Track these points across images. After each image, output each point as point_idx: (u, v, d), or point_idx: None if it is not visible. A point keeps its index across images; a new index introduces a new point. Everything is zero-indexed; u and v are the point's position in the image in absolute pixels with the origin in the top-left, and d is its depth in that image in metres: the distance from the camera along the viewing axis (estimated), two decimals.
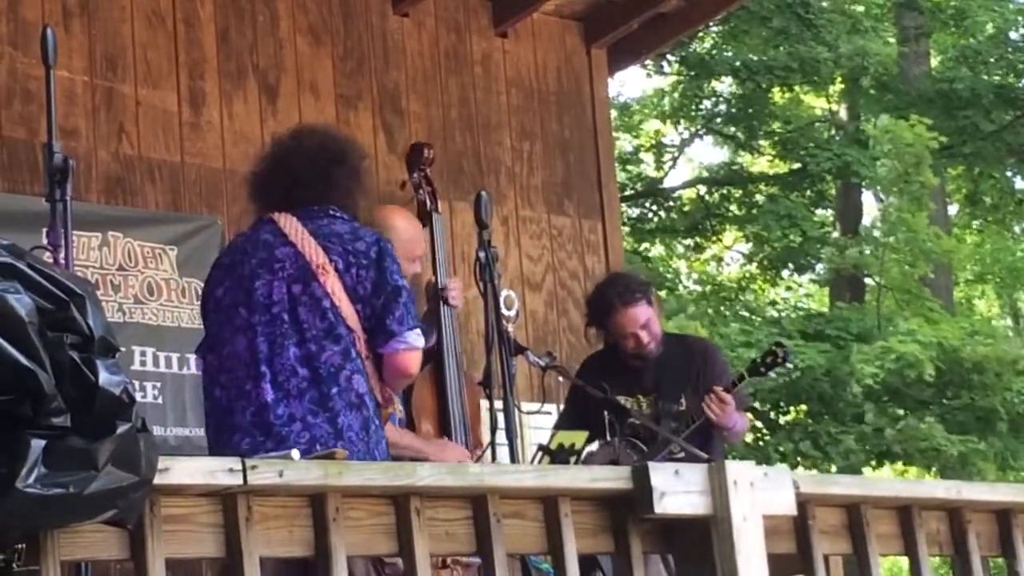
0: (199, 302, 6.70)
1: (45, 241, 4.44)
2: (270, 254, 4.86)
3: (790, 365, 6.70)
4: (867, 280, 20.18)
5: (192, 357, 7.23)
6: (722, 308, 21.01)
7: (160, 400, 7.23)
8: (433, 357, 5.85)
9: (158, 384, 7.25)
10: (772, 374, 6.54)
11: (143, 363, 7.24)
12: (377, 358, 4.84)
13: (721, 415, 6.36)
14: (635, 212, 22.47)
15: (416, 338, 4.84)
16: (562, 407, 6.97)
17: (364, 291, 4.79)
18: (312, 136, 5.31)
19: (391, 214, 5.98)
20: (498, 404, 5.44)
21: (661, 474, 3.76)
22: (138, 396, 7.22)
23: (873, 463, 17.25)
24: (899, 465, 17.67)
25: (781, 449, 16.61)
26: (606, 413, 6.16)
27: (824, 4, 19.84)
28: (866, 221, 21.76)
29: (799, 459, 16.38)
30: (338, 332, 4.76)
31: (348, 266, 4.80)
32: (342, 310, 4.77)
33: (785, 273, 23.12)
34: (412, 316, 4.84)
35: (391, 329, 4.78)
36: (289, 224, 4.89)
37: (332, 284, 4.77)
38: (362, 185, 5.13)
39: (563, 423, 6.69)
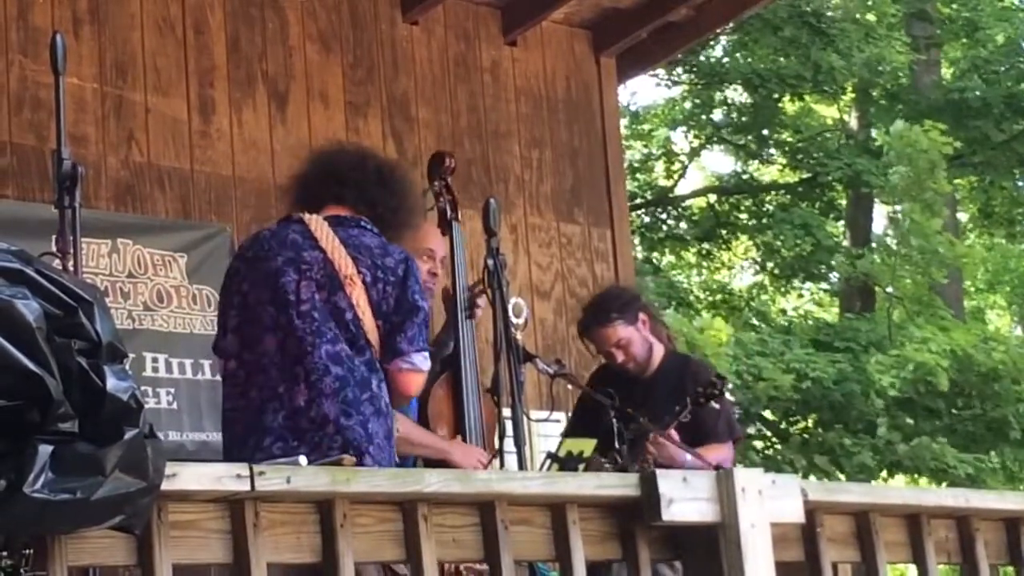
0: (211, 306, 6.67)
1: (54, 248, 4.43)
2: (298, 254, 4.77)
3: (731, 397, 6.62)
4: (877, 289, 20.14)
5: (206, 363, 7.24)
6: (732, 318, 21.00)
7: (175, 406, 7.24)
8: (449, 365, 5.84)
9: (172, 390, 7.26)
10: (714, 404, 6.47)
11: (155, 370, 7.25)
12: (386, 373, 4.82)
13: (659, 458, 6.25)
14: (645, 220, 22.46)
15: (422, 361, 4.80)
16: (570, 414, 6.96)
17: (387, 307, 4.74)
18: (367, 150, 5.37)
19: None
20: (506, 412, 5.44)
21: (669, 481, 3.76)
22: (152, 403, 7.26)
23: (884, 474, 17.23)
24: (908, 475, 17.63)
25: (792, 461, 16.58)
26: (615, 421, 6.14)
27: (831, 14, 19.81)
28: (877, 231, 21.78)
29: (812, 473, 16.35)
30: (361, 343, 4.73)
31: (375, 280, 4.74)
32: (364, 323, 4.71)
33: (796, 283, 23.10)
34: (423, 338, 4.80)
35: (400, 347, 4.74)
36: (320, 228, 4.81)
37: (358, 296, 4.71)
38: (407, 210, 5.07)
39: (570, 430, 6.68)
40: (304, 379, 4.66)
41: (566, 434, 6.62)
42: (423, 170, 7.69)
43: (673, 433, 6.29)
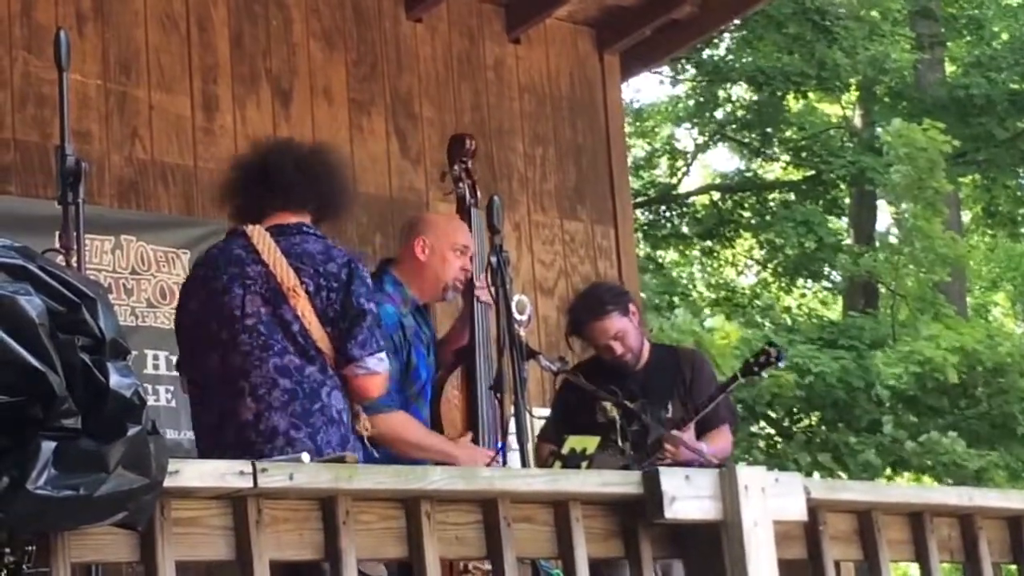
0: None
1: (57, 244, 4.43)
2: (242, 270, 4.83)
3: (782, 364, 6.63)
4: (881, 287, 20.14)
5: None
6: (736, 316, 20.99)
7: (173, 404, 7.22)
8: (464, 355, 5.83)
9: (171, 388, 7.24)
10: (764, 374, 6.50)
11: (156, 367, 7.24)
12: (342, 378, 4.85)
13: (676, 454, 6.25)
14: (649, 218, 22.46)
15: (376, 363, 4.82)
16: (549, 410, 6.92)
17: (333, 314, 4.78)
18: (293, 144, 5.36)
19: (429, 213, 5.97)
20: (509, 409, 5.43)
21: (672, 479, 3.76)
22: (151, 400, 7.24)
23: (889, 472, 17.22)
24: (913, 473, 17.61)
25: (796, 459, 16.56)
26: (617, 417, 6.14)
27: (841, 11, 19.81)
28: (880, 228, 21.76)
29: (816, 471, 16.33)
30: (311, 353, 4.76)
31: (319, 289, 4.78)
32: (312, 333, 4.76)
33: (799, 281, 23.09)
34: (376, 340, 4.82)
35: (352, 353, 4.77)
36: (262, 241, 4.86)
37: (302, 307, 4.76)
38: (344, 199, 5.12)
39: (551, 429, 6.63)
40: (250, 393, 4.73)
41: (551, 427, 6.58)
42: (426, 167, 7.70)
43: (690, 431, 6.33)
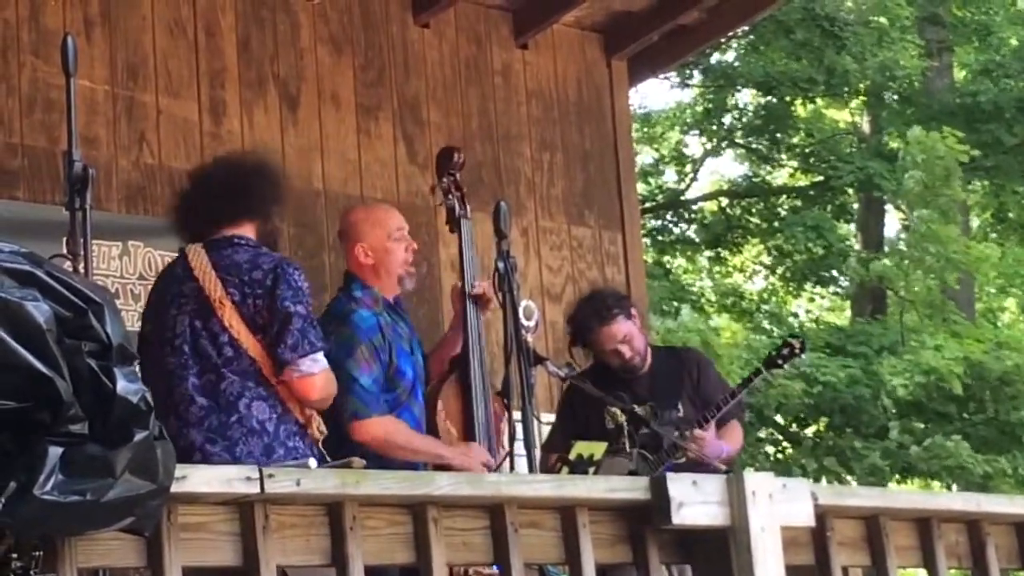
0: None
1: (65, 250, 4.44)
2: (179, 289, 4.95)
3: (805, 356, 6.66)
4: (889, 293, 20.10)
5: None
6: (744, 321, 20.98)
7: None
8: (458, 363, 5.84)
9: None
10: (787, 366, 6.53)
11: None
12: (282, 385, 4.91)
13: (699, 452, 6.28)
14: (656, 224, 22.44)
15: (311, 364, 4.86)
16: (554, 418, 6.91)
17: (262, 320, 4.85)
18: (215, 162, 5.51)
19: (347, 212, 6.01)
20: (516, 414, 5.43)
21: (679, 485, 3.76)
22: None
23: (896, 478, 17.19)
24: (921, 479, 17.59)
25: (803, 464, 16.55)
26: (625, 423, 6.15)
27: (850, 17, 19.78)
28: (888, 234, 21.73)
29: (823, 476, 16.32)
30: (239, 362, 4.82)
31: (244, 297, 4.86)
32: (242, 342, 4.82)
33: (807, 286, 23.05)
34: (308, 341, 4.85)
35: (284, 358, 4.82)
36: (196, 258, 4.97)
37: (230, 317, 4.84)
38: (267, 200, 5.15)
39: (558, 437, 6.63)
40: (172, 412, 4.80)
41: (549, 441, 6.57)
42: (433, 171, 7.69)
43: (711, 428, 6.38)
